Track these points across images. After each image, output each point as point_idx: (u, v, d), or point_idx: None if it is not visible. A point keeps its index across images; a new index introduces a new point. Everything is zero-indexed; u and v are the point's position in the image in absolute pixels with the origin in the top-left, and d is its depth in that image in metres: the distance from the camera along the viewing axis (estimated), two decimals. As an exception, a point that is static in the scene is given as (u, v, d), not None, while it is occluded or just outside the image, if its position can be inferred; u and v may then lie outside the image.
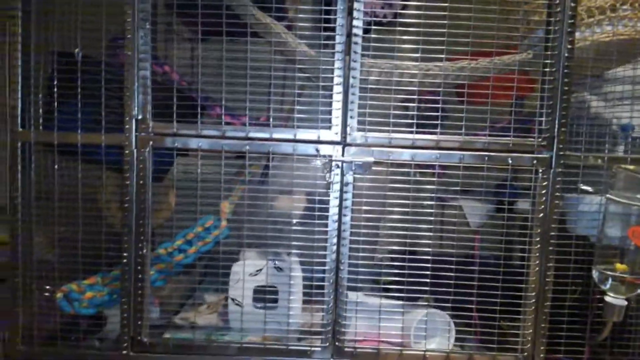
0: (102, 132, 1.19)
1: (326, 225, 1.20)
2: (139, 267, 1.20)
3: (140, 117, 1.19)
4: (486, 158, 1.19)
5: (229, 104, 1.26)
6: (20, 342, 1.23)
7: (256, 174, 1.59)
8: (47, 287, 1.23)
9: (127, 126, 1.18)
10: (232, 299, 1.36)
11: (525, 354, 1.21)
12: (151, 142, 1.19)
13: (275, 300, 1.36)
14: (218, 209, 1.36)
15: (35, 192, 1.23)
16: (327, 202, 1.21)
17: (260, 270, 1.37)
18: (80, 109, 1.19)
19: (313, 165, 1.24)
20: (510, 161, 1.20)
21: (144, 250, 1.20)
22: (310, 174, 1.26)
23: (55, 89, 1.19)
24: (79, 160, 1.22)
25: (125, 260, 1.19)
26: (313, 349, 1.21)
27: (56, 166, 1.21)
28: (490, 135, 1.20)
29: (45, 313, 1.25)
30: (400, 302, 1.29)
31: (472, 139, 1.20)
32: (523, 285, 1.21)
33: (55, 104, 1.19)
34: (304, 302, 1.34)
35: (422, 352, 1.22)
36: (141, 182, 1.19)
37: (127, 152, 1.19)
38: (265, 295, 1.35)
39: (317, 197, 1.23)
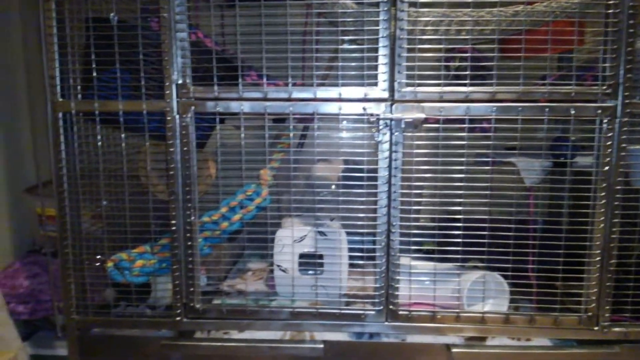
0: (142, 99, 1.15)
1: (375, 187, 1.16)
2: (188, 235, 1.19)
3: (180, 81, 1.15)
4: (547, 109, 1.11)
5: (265, 70, 1.21)
6: (75, 312, 1.24)
7: (294, 140, 1.55)
8: (98, 256, 1.23)
9: (167, 92, 1.14)
10: (278, 265, 1.35)
11: (590, 314, 1.16)
12: (193, 107, 1.15)
13: (321, 266, 1.34)
14: (258, 177, 1.34)
15: (80, 164, 1.21)
16: (375, 164, 1.16)
17: (305, 236, 1.35)
18: (119, 75, 1.15)
19: (359, 126, 1.19)
20: (572, 112, 1.11)
21: (192, 218, 1.18)
22: (356, 135, 1.21)
23: (93, 56, 1.15)
24: (121, 129, 1.20)
25: (174, 228, 1.18)
26: (367, 312, 1.19)
27: (99, 136, 1.19)
28: (551, 85, 1.12)
29: (96, 283, 1.27)
30: (451, 265, 1.25)
31: (531, 89, 1.12)
32: (587, 244, 1.15)
33: (94, 72, 1.16)
34: (351, 267, 1.32)
35: (480, 315, 1.18)
36: (185, 148, 1.16)
37: (169, 118, 1.15)
38: (311, 261, 1.33)
39: (365, 159, 1.18)
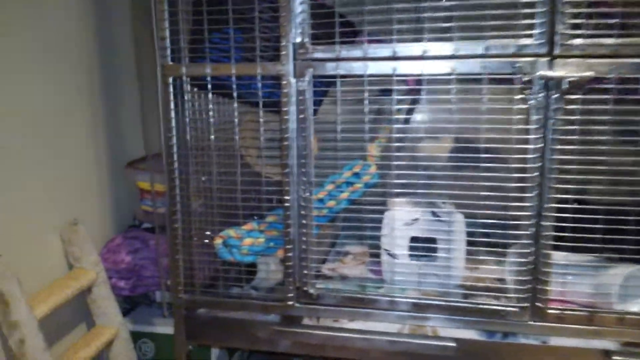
0: (257, 62, 1.04)
1: (524, 162, 0.97)
2: (302, 212, 1.07)
3: (298, 40, 1.02)
4: None
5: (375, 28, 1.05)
6: (183, 290, 1.18)
7: (401, 112, 1.40)
8: (207, 232, 1.15)
9: (284, 52, 1.02)
10: (386, 250, 1.21)
11: None
12: (311, 70, 1.03)
13: (434, 252, 1.18)
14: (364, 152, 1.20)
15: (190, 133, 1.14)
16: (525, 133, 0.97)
17: (417, 219, 1.19)
18: (232, 36, 1.05)
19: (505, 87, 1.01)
20: None
21: (307, 194, 1.07)
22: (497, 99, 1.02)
23: (205, 15, 1.05)
24: (230, 96, 1.09)
25: (287, 205, 1.07)
26: (508, 309, 1.02)
27: (211, 105, 1.10)
28: None
29: (204, 261, 1.19)
30: (591, 257, 1.06)
31: None
32: None
33: (205, 32, 1.06)
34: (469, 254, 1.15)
35: (652, 318, 0.97)
36: (302, 116, 1.04)
37: (284, 82, 1.03)
38: (423, 246, 1.18)
39: (513, 127, 0.99)
